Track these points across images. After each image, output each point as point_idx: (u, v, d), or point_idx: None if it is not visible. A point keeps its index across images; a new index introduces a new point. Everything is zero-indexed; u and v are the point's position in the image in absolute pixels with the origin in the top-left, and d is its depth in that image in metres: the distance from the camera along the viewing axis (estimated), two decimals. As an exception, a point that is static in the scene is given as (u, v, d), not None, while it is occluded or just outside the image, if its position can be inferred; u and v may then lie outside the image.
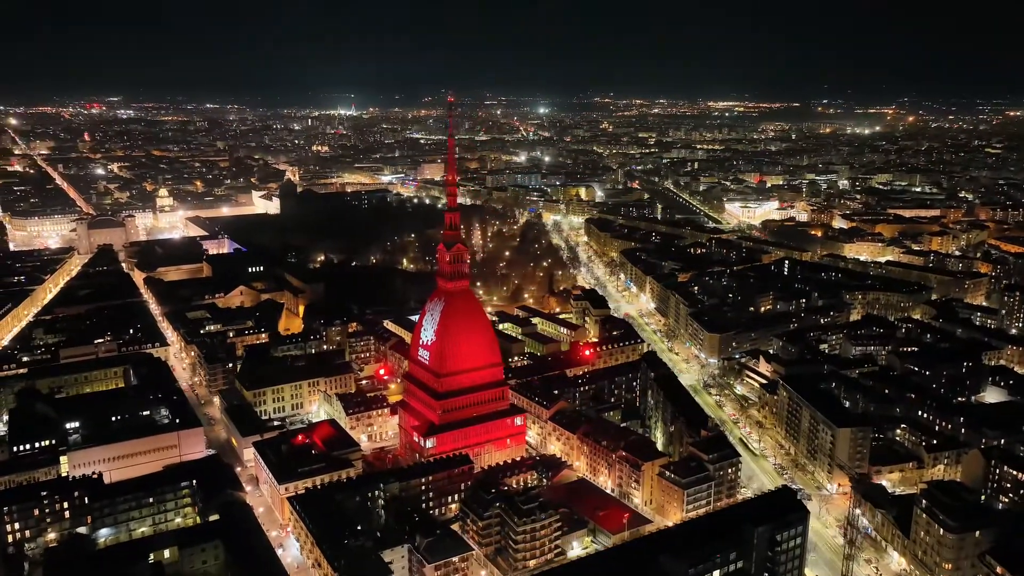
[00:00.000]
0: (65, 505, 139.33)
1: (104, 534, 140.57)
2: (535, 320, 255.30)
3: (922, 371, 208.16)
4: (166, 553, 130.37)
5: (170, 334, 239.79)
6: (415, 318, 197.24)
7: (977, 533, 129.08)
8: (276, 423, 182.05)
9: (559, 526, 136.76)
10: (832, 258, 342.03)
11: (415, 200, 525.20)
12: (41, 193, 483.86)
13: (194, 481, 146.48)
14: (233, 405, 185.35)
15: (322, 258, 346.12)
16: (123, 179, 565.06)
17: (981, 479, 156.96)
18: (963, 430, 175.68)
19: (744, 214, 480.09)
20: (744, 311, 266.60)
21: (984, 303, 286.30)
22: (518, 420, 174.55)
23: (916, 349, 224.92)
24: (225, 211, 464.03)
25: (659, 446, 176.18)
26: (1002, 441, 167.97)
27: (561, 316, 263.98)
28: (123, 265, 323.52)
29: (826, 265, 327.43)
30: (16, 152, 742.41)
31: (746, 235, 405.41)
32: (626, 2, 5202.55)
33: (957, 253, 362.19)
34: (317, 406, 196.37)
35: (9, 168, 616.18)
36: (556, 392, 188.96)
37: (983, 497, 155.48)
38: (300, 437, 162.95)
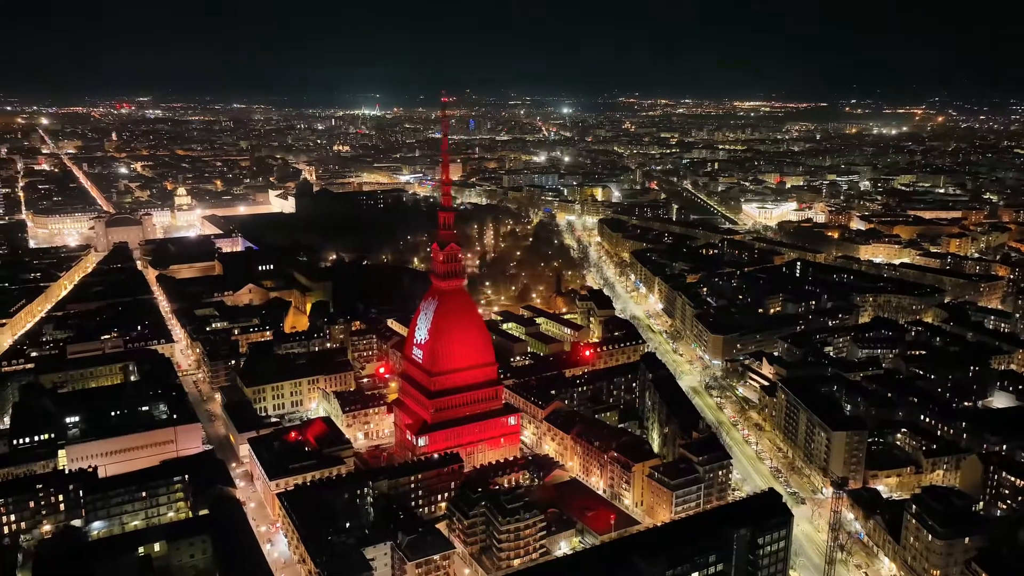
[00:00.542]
0: (60, 498, 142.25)
1: (97, 527, 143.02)
2: (539, 320, 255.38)
3: (927, 375, 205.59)
4: (156, 547, 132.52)
5: (178, 331, 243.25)
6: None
7: (967, 540, 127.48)
8: (274, 420, 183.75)
9: (543, 526, 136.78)
10: (845, 260, 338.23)
11: (431, 200, 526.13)
12: (64, 191, 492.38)
13: (186, 476, 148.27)
14: (232, 402, 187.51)
15: (333, 257, 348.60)
16: (145, 178, 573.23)
17: (980, 485, 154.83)
18: (965, 435, 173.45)
19: (761, 215, 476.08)
20: (752, 312, 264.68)
21: (1000, 307, 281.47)
22: (512, 420, 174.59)
23: (923, 352, 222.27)
24: (242, 210, 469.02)
25: (655, 447, 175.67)
26: (1004, 447, 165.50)
27: (566, 316, 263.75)
28: (138, 263, 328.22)
29: (839, 267, 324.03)
30: (44, 151, 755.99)
31: (759, 236, 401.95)
32: (656, 2, 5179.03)
33: (975, 255, 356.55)
34: (316, 404, 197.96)
35: (36, 167, 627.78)
36: (553, 392, 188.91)
37: (981, 503, 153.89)
38: (293, 434, 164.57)
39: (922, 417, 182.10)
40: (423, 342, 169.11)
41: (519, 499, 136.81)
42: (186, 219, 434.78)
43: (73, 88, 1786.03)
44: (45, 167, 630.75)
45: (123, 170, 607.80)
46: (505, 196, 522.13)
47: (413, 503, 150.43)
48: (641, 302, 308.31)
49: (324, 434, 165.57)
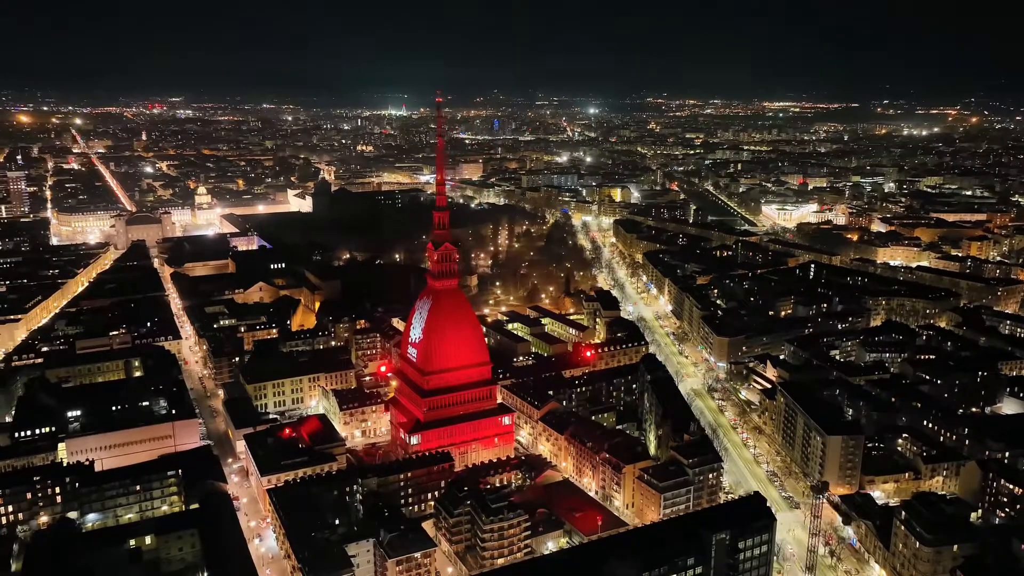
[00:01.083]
0: (57, 490, 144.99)
1: (92, 519, 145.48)
2: (545, 320, 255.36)
3: (933, 380, 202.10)
4: (147, 540, 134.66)
5: (188, 328, 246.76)
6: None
7: (955, 547, 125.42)
8: (272, 416, 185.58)
9: (528, 525, 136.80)
10: (861, 262, 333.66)
11: (449, 199, 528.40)
12: (89, 190, 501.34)
13: (179, 470, 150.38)
14: (233, 398, 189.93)
15: (347, 256, 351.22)
16: (169, 177, 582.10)
17: (978, 492, 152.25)
18: (967, 441, 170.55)
19: (780, 217, 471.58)
20: (762, 315, 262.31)
21: (1018, 311, 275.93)
22: (506, 419, 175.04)
23: (932, 357, 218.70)
24: (261, 209, 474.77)
25: (651, 449, 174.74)
26: (1006, 454, 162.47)
27: (572, 317, 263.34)
28: (155, 260, 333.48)
29: (853, 269, 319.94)
30: (75, 150, 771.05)
31: (774, 238, 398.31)
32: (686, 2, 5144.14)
33: (997, 259, 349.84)
34: (316, 401, 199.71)
35: (65, 166, 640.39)
36: (551, 393, 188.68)
37: (980, 511, 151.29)
38: (287, 431, 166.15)
39: (925, 423, 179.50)
40: (417, 341, 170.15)
41: (503, 499, 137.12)
42: (206, 217, 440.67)
43: (109, 88, 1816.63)
44: (74, 166, 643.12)
45: (148, 169, 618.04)
46: (523, 196, 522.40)
47: (402, 501, 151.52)
48: (651, 303, 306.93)
49: (318, 431, 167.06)
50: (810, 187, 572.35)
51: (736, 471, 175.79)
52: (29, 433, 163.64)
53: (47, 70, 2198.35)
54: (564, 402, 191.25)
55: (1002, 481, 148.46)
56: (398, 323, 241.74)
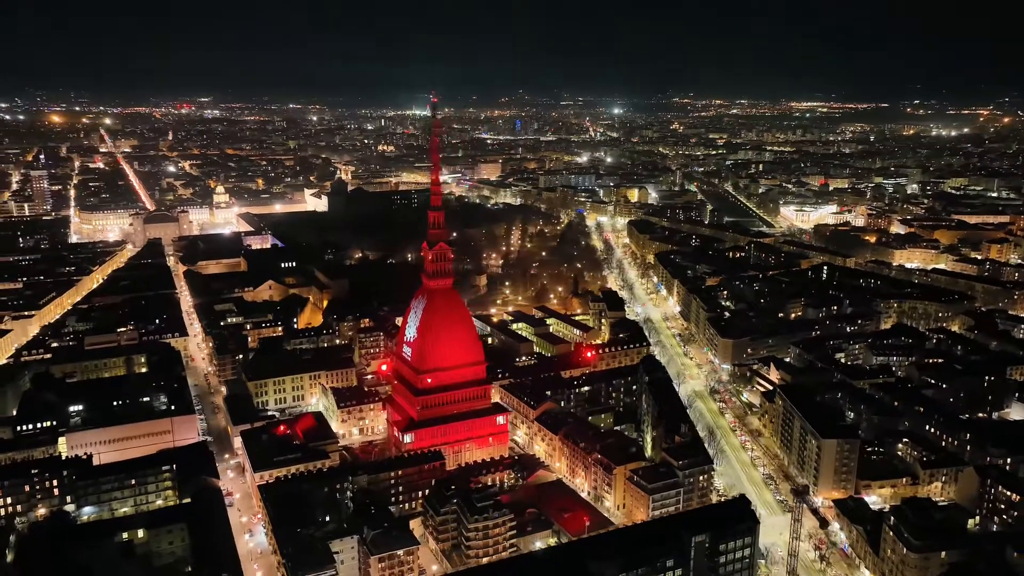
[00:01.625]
0: (55, 483, 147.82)
1: (88, 512, 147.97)
2: (550, 321, 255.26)
3: (938, 384, 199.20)
4: (139, 533, 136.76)
5: (197, 325, 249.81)
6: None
7: (943, 554, 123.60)
8: (271, 413, 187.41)
9: (513, 525, 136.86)
10: (876, 264, 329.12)
11: (465, 199, 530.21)
12: (112, 189, 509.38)
13: (174, 465, 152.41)
14: (233, 394, 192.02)
15: (359, 255, 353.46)
16: (191, 176, 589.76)
17: (976, 498, 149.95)
18: (968, 447, 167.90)
19: (798, 218, 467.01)
20: (772, 317, 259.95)
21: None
22: (500, 419, 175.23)
23: (940, 361, 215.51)
24: (278, 208, 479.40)
25: (647, 451, 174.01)
26: (1008, 460, 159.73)
27: (578, 318, 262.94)
28: (170, 259, 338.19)
29: (867, 272, 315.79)
30: (102, 150, 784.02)
31: (788, 239, 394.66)
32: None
33: (1017, 262, 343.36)
34: (317, 399, 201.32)
35: (91, 165, 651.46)
36: (548, 393, 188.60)
37: (977, 517, 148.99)
38: (282, 427, 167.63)
39: (927, 427, 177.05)
40: (412, 340, 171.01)
41: (489, 498, 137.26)
42: (224, 216, 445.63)
43: (140, 88, 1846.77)
44: (100, 165, 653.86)
45: (171, 168, 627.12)
46: (539, 196, 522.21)
47: (393, 499, 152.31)
48: (660, 304, 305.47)
49: (312, 428, 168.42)
50: (831, 188, 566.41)
51: (732, 474, 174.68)
52: (31, 427, 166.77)
53: (82, 71, 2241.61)
54: (562, 402, 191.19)
55: (1000, 488, 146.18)
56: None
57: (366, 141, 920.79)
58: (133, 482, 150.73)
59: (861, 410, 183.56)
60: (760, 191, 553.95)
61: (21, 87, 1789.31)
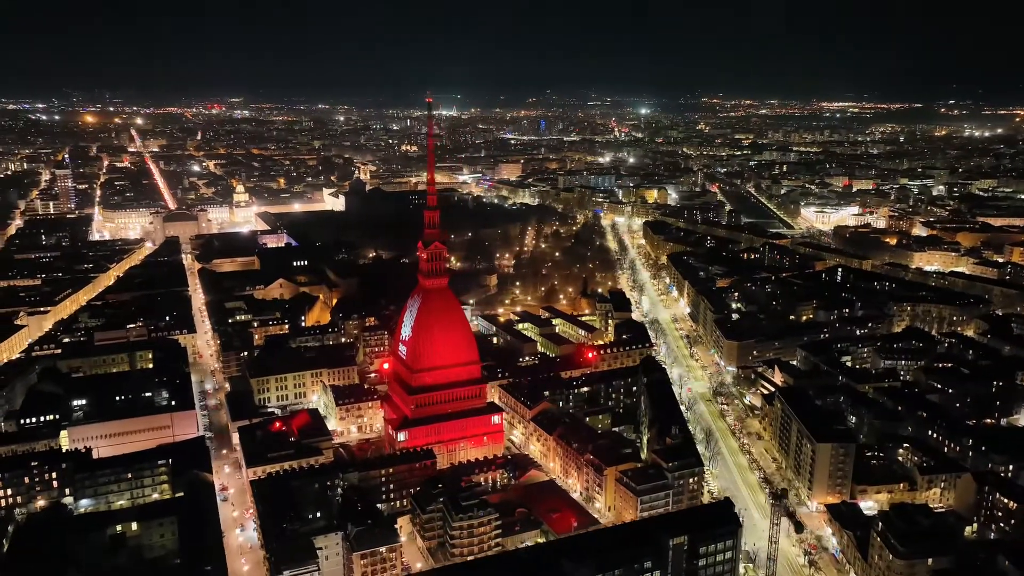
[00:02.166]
0: (54, 475, 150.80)
1: (85, 504, 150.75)
2: (556, 321, 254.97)
3: (945, 389, 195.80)
4: (133, 526, 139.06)
5: (207, 322, 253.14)
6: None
7: (930, 561, 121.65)
8: (271, 410, 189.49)
9: (498, 524, 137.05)
10: (892, 267, 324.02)
11: (483, 199, 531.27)
12: (137, 188, 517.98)
13: (170, 460, 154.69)
14: (235, 391, 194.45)
15: (373, 254, 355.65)
16: (214, 176, 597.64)
17: (973, 506, 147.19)
18: (970, 453, 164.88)
19: (818, 219, 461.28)
20: (782, 319, 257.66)
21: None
22: (496, 418, 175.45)
23: (949, 366, 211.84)
24: (296, 207, 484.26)
25: (644, 452, 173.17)
26: (1010, 467, 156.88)
27: (585, 318, 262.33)
28: (187, 257, 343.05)
29: (882, 274, 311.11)
30: (131, 149, 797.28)
31: (804, 241, 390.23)
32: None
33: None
34: (318, 396, 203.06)
35: (119, 164, 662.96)
36: (546, 393, 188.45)
37: (975, 525, 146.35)
38: (278, 424, 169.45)
39: (929, 432, 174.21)
40: (407, 339, 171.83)
41: (475, 497, 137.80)
42: (243, 215, 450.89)
43: (174, 89, 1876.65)
44: (127, 164, 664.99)
45: (196, 168, 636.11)
46: (557, 197, 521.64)
47: (383, 496, 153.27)
48: (671, 306, 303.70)
49: (307, 425, 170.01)
50: (854, 189, 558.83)
51: (728, 476, 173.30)
52: (34, 420, 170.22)
53: (120, 73, 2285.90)
54: (561, 403, 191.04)
55: (997, 495, 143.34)
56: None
57: (391, 141, 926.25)
58: (129, 476, 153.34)
59: (862, 414, 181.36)
60: (782, 192, 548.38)
61: (59, 88, 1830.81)
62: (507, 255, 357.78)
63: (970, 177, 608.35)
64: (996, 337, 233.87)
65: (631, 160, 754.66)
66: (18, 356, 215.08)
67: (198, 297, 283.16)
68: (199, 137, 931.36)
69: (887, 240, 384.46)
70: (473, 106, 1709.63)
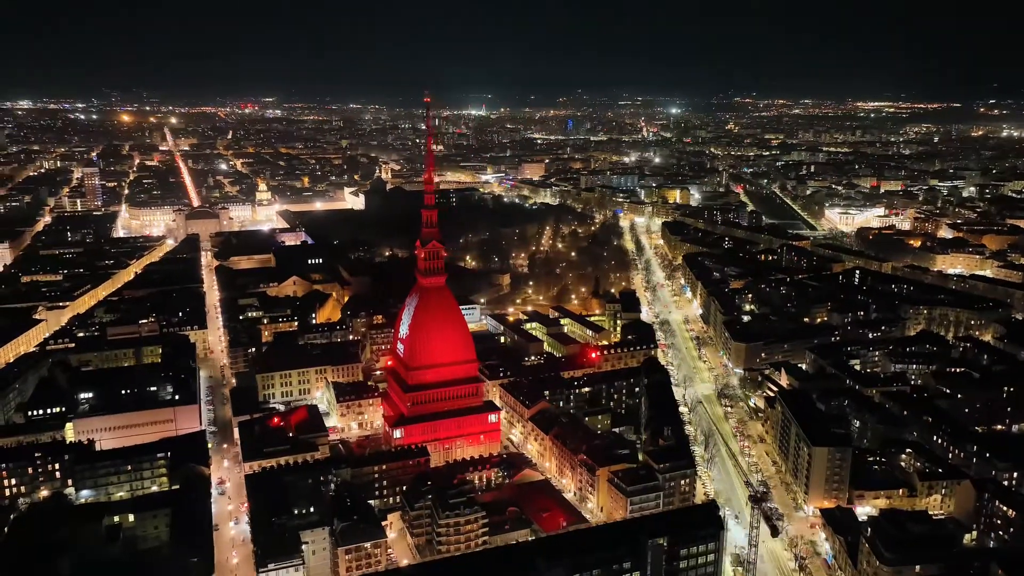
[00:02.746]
0: (57, 466, 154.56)
1: (85, 495, 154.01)
2: (564, 321, 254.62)
3: (954, 394, 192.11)
4: (130, 517, 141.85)
5: (219, 318, 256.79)
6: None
7: (917, 568, 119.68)
8: (272, 405, 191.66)
9: (485, 522, 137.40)
10: (912, 270, 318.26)
11: (504, 199, 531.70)
12: (164, 186, 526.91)
13: (168, 453, 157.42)
14: (240, 386, 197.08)
15: (388, 252, 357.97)
16: (240, 174, 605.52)
17: (972, 513, 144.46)
18: (974, 460, 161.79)
19: (842, 221, 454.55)
20: (795, 321, 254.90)
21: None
22: (492, 417, 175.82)
23: (961, 370, 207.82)
24: (318, 206, 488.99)
25: (641, 454, 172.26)
26: (1014, 475, 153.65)
27: (595, 319, 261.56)
28: (207, 254, 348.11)
29: (900, 277, 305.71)
30: (162, 148, 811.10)
31: (823, 243, 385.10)
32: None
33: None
34: (321, 393, 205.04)
35: (149, 163, 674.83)
36: (546, 393, 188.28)
37: (974, 533, 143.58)
38: (276, 419, 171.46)
39: (934, 438, 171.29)
40: (404, 337, 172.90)
41: (462, 495, 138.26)
42: (265, 213, 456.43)
43: (210, 89, 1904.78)
44: (156, 163, 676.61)
45: (223, 167, 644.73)
46: (578, 196, 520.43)
47: (377, 493, 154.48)
48: (684, 307, 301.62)
49: (304, 421, 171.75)
50: (882, 190, 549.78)
51: (726, 480, 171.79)
52: (41, 412, 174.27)
53: (155, 72, 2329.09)
54: (561, 403, 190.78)
55: (997, 502, 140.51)
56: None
57: (417, 140, 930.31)
58: (129, 468, 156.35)
59: (866, 418, 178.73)
60: (807, 193, 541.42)
61: (99, 88, 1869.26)
62: (522, 254, 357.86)
63: (1004, 178, 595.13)
64: (1013, 342, 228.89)
65: (657, 160, 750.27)
66: (33, 349, 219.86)
67: (214, 294, 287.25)
68: (229, 136, 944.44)
69: (911, 242, 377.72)
70: (503, 106, 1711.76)
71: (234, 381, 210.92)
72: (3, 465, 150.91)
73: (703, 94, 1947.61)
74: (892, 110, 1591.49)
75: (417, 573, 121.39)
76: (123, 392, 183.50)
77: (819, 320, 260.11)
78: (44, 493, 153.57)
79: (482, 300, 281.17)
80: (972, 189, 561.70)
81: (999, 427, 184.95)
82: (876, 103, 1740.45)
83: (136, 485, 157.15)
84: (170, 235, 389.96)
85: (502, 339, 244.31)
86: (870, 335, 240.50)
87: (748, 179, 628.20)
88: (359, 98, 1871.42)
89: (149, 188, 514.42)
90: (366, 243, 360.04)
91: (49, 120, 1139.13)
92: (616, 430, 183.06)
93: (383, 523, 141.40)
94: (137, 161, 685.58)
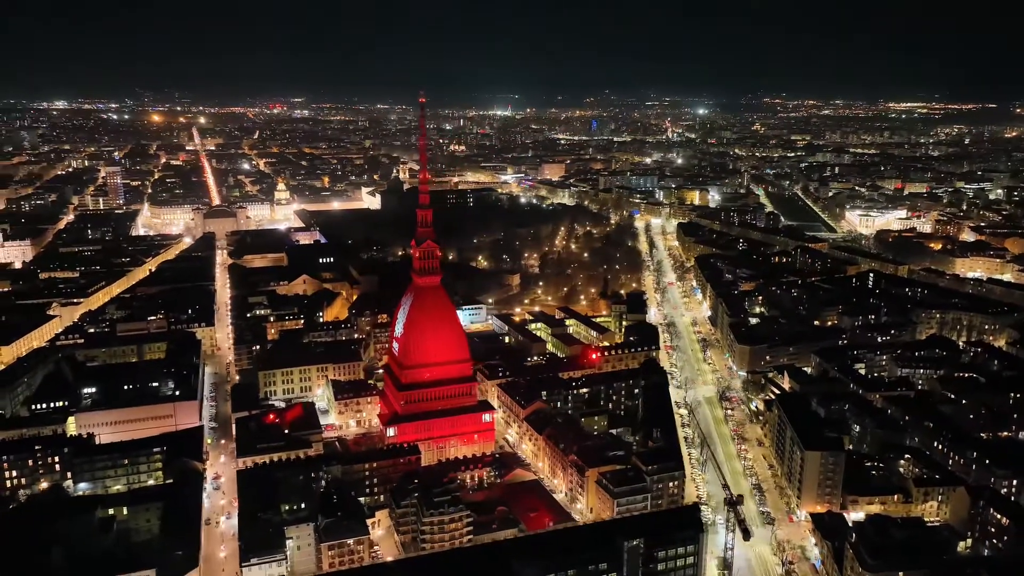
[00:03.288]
0: (56, 459, 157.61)
1: (83, 488, 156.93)
2: (569, 322, 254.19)
3: (959, 400, 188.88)
4: (124, 510, 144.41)
5: (229, 316, 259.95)
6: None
7: (901, 574, 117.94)
8: (272, 403, 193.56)
9: (470, 521, 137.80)
10: (927, 273, 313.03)
11: (520, 199, 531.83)
12: (187, 185, 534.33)
13: (164, 448, 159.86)
14: (241, 383, 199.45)
15: (401, 252, 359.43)
16: (262, 174, 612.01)
17: (967, 520, 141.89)
18: (974, 466, 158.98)
19: (862, 223, 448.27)
20: (805, 324, 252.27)
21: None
22: (486, 416, 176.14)
23: (970, 375, 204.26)
24: (335, 205, 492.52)
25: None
26: (1013, 483, 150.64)
27: (601, 319, 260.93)
28: (222, 252, 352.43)
29: (915, 280, 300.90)
30: (188, 148, 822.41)
31: (843, 245, 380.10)
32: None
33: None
34: (322, 390, 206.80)
35: (174, 162, 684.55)
36: (544, 394, 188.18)
37: (969, 540, 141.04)
38: (271, 416, 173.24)
39: (935, 444, 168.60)
40: (399, 336, 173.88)
41: (448, 493, 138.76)
42: (283, 213, 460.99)
43: (241, 89, 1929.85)
44: (182, 162, 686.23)
45: (246, 166, 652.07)
46: (595, 197, 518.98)
47: (367, 490, 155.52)
48: (693, 308, 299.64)
49: (299, 418, 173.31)
50: (906, 192, 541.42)
51: (720, 482, 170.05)
52: (45, 406, 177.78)
53: (187, 73, 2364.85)
54: (559, 403, 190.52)
55: (991, 510, 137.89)
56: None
57: (441, 141, 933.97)
58: (126, 462, 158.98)
59: (866, 423, 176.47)
60: (829, 195, 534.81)
61: (132, 88, 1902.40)
62: (534, 255, 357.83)
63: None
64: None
65: (679, 161, 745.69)
66: (44, 345, 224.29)
67: (226, 292, 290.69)
68: (255, 136, 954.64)
69: (931, 245, 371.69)
70: (530, 107, 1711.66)
71: (238, 378, 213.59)
72: (4, 457, 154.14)
73: (731, 94, 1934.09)
74: (924, 111, 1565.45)
75: (396, 569, 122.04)
76: (125, 387, 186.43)
77: (829, 323, 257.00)
78: (44, 485, 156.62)
79: (490, 300, 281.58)
80: (999, 191, 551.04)
81: (1005, 434, 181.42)
82: (908, 104, 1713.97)
83: (132, 479, 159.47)
84: (188, 233, 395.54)
85: (507, 339, 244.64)
86: (879, 339, 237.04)
87: (770, 180, 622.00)
88: (386, 98, 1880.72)
89: (172, 187, 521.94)
90: (379, 243, 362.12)
91: (82, 120, 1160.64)
92: (613, 432, 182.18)
93: (371, 520, 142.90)
94: (163, 160, 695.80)
